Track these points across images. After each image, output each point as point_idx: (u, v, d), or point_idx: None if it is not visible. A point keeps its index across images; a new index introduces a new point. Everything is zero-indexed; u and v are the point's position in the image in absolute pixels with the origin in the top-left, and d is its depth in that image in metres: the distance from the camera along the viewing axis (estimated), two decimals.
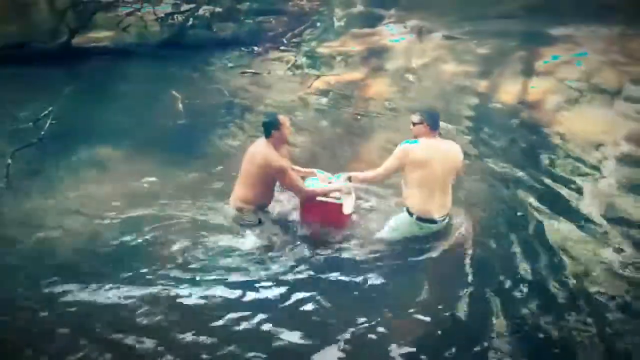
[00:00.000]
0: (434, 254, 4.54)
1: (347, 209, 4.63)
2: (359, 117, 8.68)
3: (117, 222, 5.19)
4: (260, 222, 4.78)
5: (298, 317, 3.91)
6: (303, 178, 4.95)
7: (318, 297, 4.07)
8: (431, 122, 4.55)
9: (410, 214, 4.57)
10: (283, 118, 4.67)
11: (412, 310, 3.95)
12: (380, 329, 3.76)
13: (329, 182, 4.90)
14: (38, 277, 4.30)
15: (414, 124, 4.59)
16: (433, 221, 4.57)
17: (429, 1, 15.59)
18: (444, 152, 4.56)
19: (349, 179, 4.77)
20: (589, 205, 5.41)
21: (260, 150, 4.64)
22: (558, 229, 4.97)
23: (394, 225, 4.72)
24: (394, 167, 4.58)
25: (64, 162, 6.65)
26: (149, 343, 3.64)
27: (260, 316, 3.88)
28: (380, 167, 4.65)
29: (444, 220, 4.64)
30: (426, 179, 4.46)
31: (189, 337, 3.70)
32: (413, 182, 4.51)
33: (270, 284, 4.27)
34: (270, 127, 4.61)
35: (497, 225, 5.11)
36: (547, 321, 3.81)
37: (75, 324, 3.82)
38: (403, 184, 4.68)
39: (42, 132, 7.32)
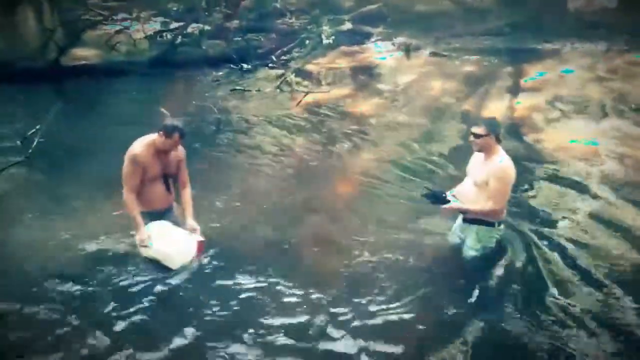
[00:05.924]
0: None
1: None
2: (348, 131, 8.71)
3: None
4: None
5: None
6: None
7: None
8: (497, 133, 4.14)
9: (491, 224, 4.29)
10: (176, 136, 4.22)
11: None
12: None
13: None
14: None
15: (478, 135, 4.10)
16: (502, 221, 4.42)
17: (416, 18, 15.80)
18: None
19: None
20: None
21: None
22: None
23: (481, 241, 4.35)
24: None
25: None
26: None
27: None
28: (491, 202, 4.12)
29: None
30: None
31: None
32: (506, 198, 4.25)
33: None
34: (162, 127, 4.25)
35: None
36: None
37: None
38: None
39: (30, 151, 7.27)
